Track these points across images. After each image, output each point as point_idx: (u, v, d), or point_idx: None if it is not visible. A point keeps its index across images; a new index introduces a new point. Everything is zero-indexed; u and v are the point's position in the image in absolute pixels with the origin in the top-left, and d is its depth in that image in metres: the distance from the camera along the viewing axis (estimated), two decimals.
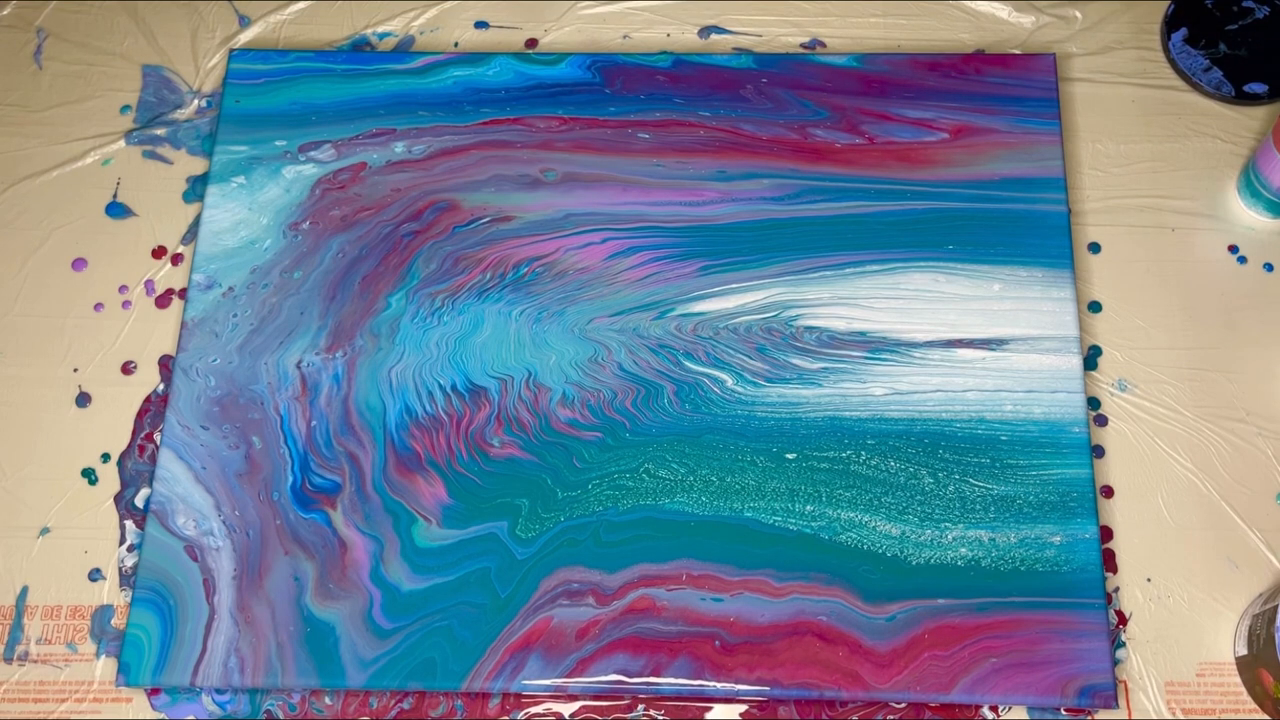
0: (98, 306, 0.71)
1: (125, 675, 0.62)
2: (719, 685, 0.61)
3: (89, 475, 0.67)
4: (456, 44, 0.77)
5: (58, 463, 0.67)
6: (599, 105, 0.73)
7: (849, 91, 0.73)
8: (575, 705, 0.62)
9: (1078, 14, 0.76)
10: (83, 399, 0.69)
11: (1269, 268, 0.69)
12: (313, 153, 0.72)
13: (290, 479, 0.65)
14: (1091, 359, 0.68)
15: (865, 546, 0.63)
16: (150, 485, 0.65)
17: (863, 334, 0.67)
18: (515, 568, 0.63)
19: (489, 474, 0.65)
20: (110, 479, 0.67)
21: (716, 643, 0.61)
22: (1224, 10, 0.74)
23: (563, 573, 0.63)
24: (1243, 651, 0.60)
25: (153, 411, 0.68)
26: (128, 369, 0.69)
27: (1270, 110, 0.73)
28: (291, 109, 0.73)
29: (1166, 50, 0.74)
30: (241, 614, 0.62)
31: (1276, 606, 0.57)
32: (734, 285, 0.69)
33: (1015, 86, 0.72)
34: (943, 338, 0.67)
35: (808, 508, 0.64)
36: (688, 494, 0.64)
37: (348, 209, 0.71)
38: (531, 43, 0.77)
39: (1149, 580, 0.63)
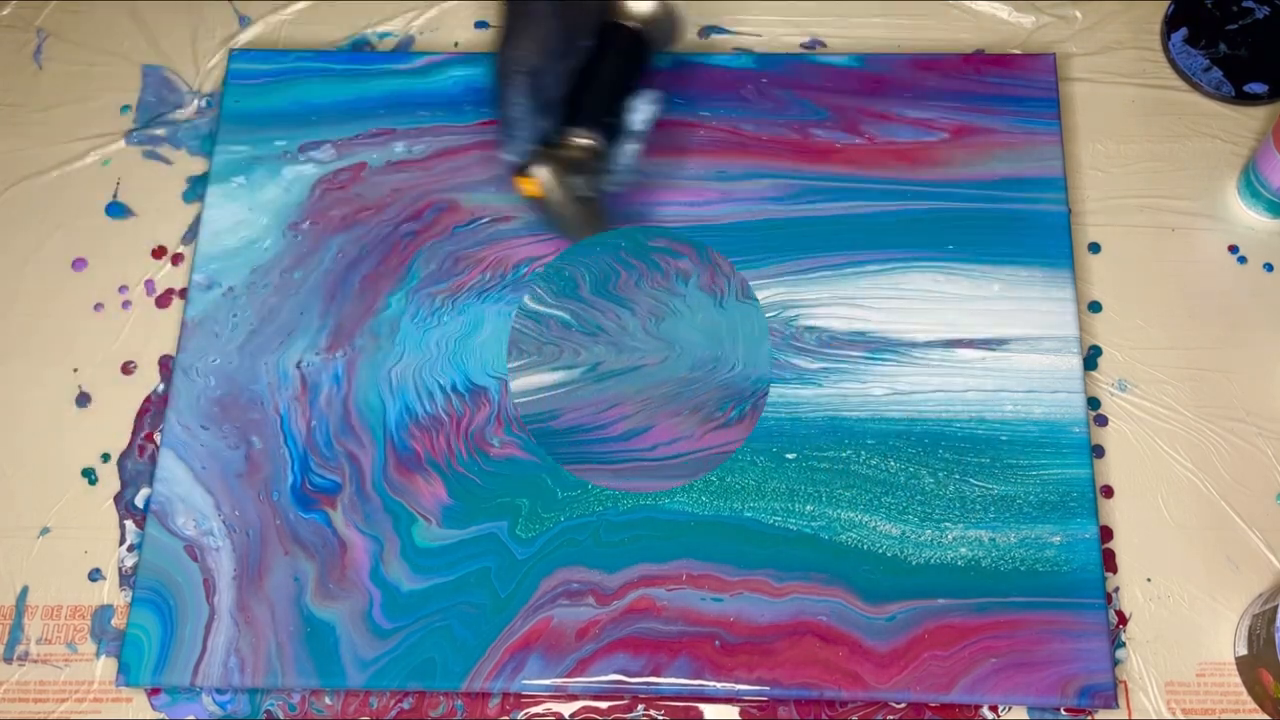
0: (98, 306, 0.71)
1: (125, 675, 0.62)
2: (719, 685, 0.61)
3: (89, 475, 0.67)
4: (456, 44, 0.77)
5: (58, 463, 0.67)
6: None
7: (849, 91, 0.73)
8: (575, 705, 0.62)
9: (1078, 14, 0.76)
10: (83, 399, 0.69)
11: (1269, 268, 0.69)
12: (313, 153, 0.72)
13: (290, 479, 0.65)
14: (1091, 359, 0.68)
15: (865, 546, 0.63)
16: (150, 485, 0.65)
17: (863, 334, 0.67)
18: (515, 568, 0.63)
19: (489, 474, 0.65)
20: (110, 479, 0.67)
21: (716, 643, 0.61)
22: (1224, 10, 0.74)
23: (563, 573, 0.63)
24: (1243, 651, 0.60)
25: (153, 411, 0.68)
26: (128, 369, 0.69)
27: (1270, 110, 0.73)
28: (291, 109, 0.73)
29: (1166, 50, 0.74)
30: (241, 614, 0.62)
31: (1276, 606, 0.57)
32: None
33: (1015, 86, 0.72)
34: (943, 338, 0.67)
35: (808, 508, 0.63)
36: (688, 494, 0.64)
37: (348, 209, 0.71)
38: None
39: (1149, 580, 0.63)
